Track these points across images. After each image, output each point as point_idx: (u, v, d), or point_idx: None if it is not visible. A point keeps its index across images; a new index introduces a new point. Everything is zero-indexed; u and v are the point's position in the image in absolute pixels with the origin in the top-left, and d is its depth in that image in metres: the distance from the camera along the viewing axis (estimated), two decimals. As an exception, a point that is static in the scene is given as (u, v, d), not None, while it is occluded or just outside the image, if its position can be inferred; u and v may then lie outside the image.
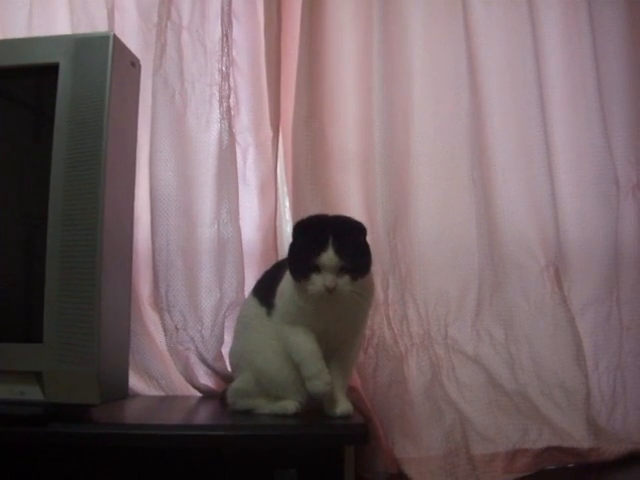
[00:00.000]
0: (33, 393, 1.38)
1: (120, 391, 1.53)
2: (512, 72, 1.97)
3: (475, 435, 1.73)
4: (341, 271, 1.38)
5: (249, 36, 1.99)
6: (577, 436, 1.74)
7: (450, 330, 1.87)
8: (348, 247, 1.39)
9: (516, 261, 1.90)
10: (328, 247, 1.37)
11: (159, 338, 1.89)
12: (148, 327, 1.91)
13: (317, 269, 1.38)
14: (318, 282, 1.38)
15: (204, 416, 1.73)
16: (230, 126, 1.90)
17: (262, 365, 1.50)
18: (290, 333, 1.47)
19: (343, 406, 1.45)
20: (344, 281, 1.38)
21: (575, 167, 1.98)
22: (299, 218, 1.82)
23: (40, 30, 1.95)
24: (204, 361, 1.84)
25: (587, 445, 1.73)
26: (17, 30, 1.95)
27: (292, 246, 1.47)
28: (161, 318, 1.87)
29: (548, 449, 1.73)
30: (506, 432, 1.74)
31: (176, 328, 1.85)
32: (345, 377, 1.51)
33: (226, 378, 1.80)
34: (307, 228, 1.47)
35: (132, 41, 1.87)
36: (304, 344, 1.45)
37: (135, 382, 1.86)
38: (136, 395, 1.85)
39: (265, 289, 1.58)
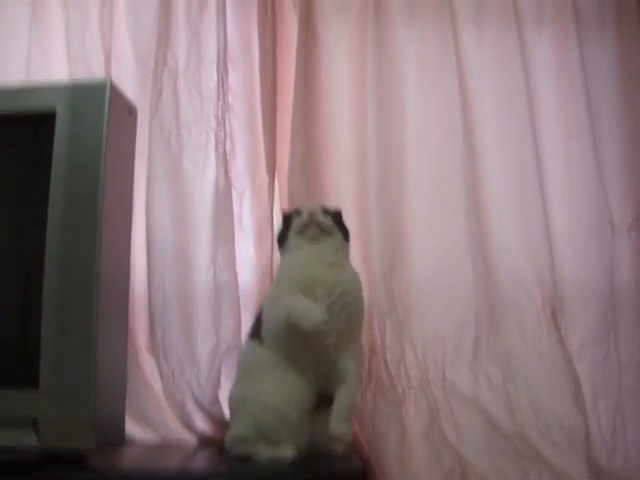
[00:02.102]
0: (28, 439, 1.37)
1: (117, 436, 1.53)
2: (505, 113, 2.00)
3: (475, 478, 1.71)
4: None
5: (245, 81, 2.01)
6: (577, 477, 1.71)
7: (448, 373, 1.86)
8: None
9: (513, 302, 1.91)
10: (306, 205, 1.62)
11: (156, 383, 1.88)
12: (145, 372, 1.89)
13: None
14: (302, 216, 1.59)
15: (201, 463, 1.71)
16: (226, 171, 1.92)
17: (263, 408, 1.50)
18: (281, 301, 1.55)
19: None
20: (325, 217, 1.59)
21: (570, 207, 1.99)
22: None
23: (37, 75, 1.97)
24: (201, 406, 1.83)
25: (588, 486, 1.72)
26: (14, 75, 1.97)
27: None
28: (157, 363, 1.86)
29: (548, 491, 1.72)
30: (505, 474, 1.72)
31: (172, 373, 1.85)
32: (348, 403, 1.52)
33: (223, 423, 1.79)
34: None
35: (129, 86, 1.90)
36: (293, 296, 1.53)
37: (132, 427, 1.83)
38: (133, 440, 1.83)
39: (256, 325, 1.61)
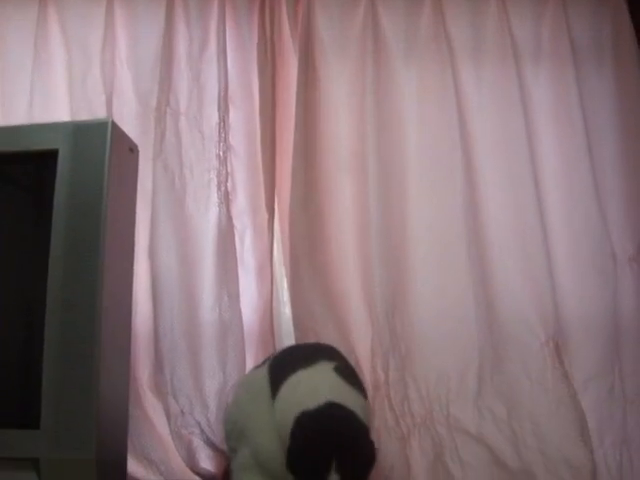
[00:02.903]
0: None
1: (118, 477, 1.51)
2: (505, 149, 2.01)
3: (481, 516, 1.70)
4: None
5: (245, 121, 2.03)
6: (585, 513, 1.71)
7: (452, 409, 1.85)
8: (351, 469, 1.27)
9: (515, 337, 1.90)
10: (331, 469, 1.25)
11: (158, 422, 1.87)
12: (147, 411, 1.88)
13: None
14: None
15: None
16: (228, 210, 1.93)
17: (259, 446, 1.46)
18: None
19: None
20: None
21: (571, 241, 2.00)
22: (297, 299, 1.84)
23: (40, 115, 1.98)
24: (211, 444, 1.82)
25: (595, 522, 1.70)
26: (18, 116, 1.98)
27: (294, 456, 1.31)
28: (165, 403, 1.85)
29: (555, 527, 1.70)
30: (512, 511, 1.72)
31: (182, 412, 1.84)
32: None
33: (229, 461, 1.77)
34: (309, 448, 1.30)
35: (130, 126, 1.90)
36: None
37: (134, 467, 1.81)
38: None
39: (278, 371, 1.51)
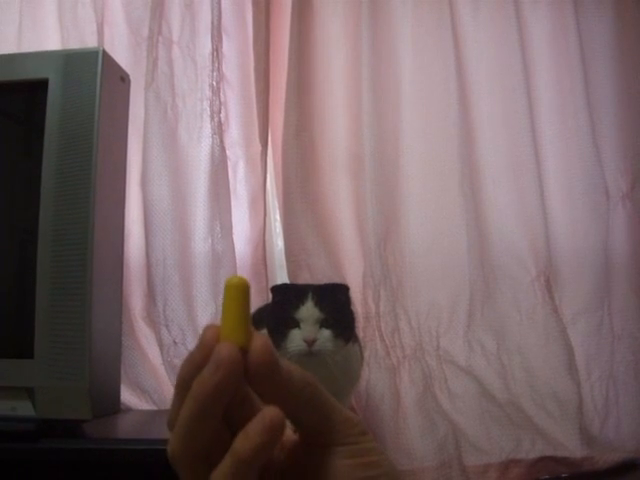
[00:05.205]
0: (24, 409, 1.36)
1: (112, 406, 1.52)
2: (501, 83, 1.99)
3: (468, 446, 1.73)
4: (322, 326, 1.30)
5: (239, 50, 2.00)
6: (570, 446, 1.74)
7: (442, 341, 1.88)
8: (329, 301, 1.32)
9: (507, 271, 1.91)
10: (307, 300, 1.30)
11: (151, 352, 1.89)
12: (140, 341, 1.90)
13: (297, 325, 1.30)
14: (297, 337, 1.29)
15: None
16: (221, 141, 1.91)
17: None
18: None
19: None
20: (325, 336, 1.30)
21: (565, 177, 2.00)
22: (290, 231, 1.85)
23: (30, 45, 1.94)
24: None
25: (580, 454, 1.73)
26: (6, 45, 1.95)
27: (271, 306, 1.37)
28: (158, 333, 1.86)
29: (541, 459, 1.73)
30: (499, 443, 1.75)
31: (174, 342, 1.85)
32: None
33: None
34: (286, 287, 1.37)
35: (122, 55, 1.88)
36: None
37: (127, 396, 1.84)
38: (128, 409, 1.84)
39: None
